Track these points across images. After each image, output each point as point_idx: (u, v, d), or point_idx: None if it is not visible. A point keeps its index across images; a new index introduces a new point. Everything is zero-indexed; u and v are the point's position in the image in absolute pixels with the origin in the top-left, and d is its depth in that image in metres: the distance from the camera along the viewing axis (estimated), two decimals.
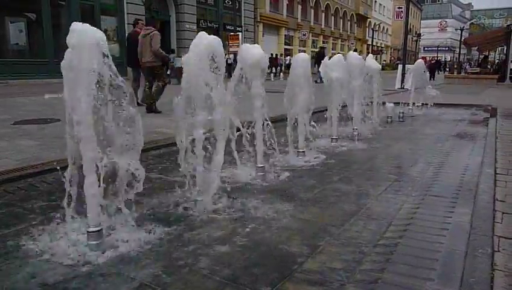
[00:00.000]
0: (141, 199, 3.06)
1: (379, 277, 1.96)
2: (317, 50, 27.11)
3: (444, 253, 2.21)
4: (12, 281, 1.92)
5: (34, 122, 6.29)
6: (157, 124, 6.39)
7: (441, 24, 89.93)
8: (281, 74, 23.69)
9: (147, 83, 8.15)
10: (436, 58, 44.67)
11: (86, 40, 2.04)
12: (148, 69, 8.02)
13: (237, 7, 25.07)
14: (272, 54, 29.55)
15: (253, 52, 3.48)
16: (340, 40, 46.38)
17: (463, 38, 40.48)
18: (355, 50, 30.05)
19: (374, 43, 48.44)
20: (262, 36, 30.65)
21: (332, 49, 43.97)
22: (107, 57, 2.12)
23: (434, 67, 29.13)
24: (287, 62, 29.21)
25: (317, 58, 19.64)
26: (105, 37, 2.14)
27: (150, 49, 7.75)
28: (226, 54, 19.61)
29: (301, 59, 4.33)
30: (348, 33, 47.92)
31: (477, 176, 3.65)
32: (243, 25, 27.14)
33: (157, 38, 7.77)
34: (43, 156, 4.12)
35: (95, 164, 2.17)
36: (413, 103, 9.46)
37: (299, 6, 36.33)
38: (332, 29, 43.94)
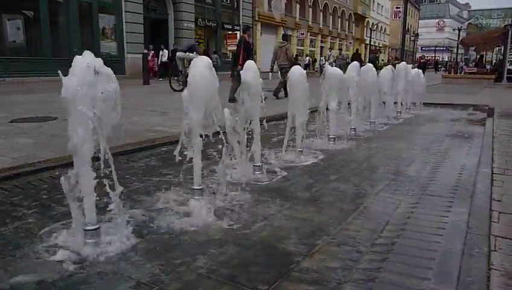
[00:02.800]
0: (138, 197, 3.06)
1: (376, 276, 1.96)
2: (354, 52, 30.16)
3: (441, 252, 2.22)
4: (9, 278, 1.92)
5: (31, 121, 6.27)
6: (155, 122, 6.38)
7: (438, 24, 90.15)
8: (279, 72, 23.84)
9: (282, 79, 10.99)
10: (425, 58, 45.72)
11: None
12: (282, 69, 11.32)
13: (235, 6, 25.00)
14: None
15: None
16: (338, 40, 46.40)
17: (460, 38, 40.58)
18: (378, 53, 30.55)
19: (372, 43, 48.51)
20: (260, 35, 30.62)
21: (331, 49, 44.05)
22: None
23: (423, 67, 29.10)
24: (306, 62, 31.71)
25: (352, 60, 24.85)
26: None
27: (285, 56, 11.55)
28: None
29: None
30: (346, 32, 47.92)
31: (474, 175, 3.66)
32: (241, 23, 27.09)
33: (291, 49, 11.34)
34: (40, 154, 4.11)
35: (90, 163, 2.16)
36: (412, 103, 9.47)
37: (297, 6, 36.32)
38: (331, 28, 43.94)
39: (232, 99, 9.17)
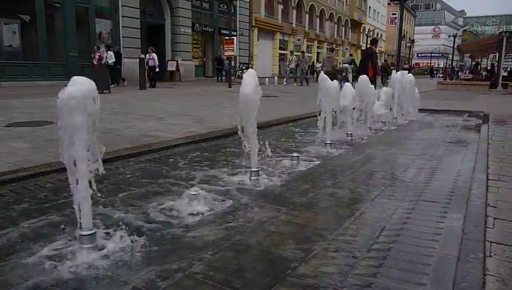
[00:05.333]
0: (135, 203, 3.05)
1: (372, 282, 1.97)
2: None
3: (437, 258, 2.22)
4: (4, 284, 1.91)
5: (28, 125, 6.25)
6: (150, 127, 6.38)
7: (434, 30, 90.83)
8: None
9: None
10: (408, 64, 47.52)
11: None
12: (329, 75, 13.47)
13: (232, 11, 25.12)
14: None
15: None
16: (334, 45, 46.63)
17: (456, 44, 40.95)
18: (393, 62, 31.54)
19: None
20: (257, 40, 30.74)
21: (292, 52, 44.26)
22: None
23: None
24: (319, 69, 31.22)
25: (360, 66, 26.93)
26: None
27: (330, 65, 15.11)
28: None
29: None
30: (343, 38, 48.18)
31: (469, 181, 3.68)
32: (238, 29, 27.18)
33: (336, 59, 13.42)
34: (36, 158, 4.10)
35: (86, 168, 2.16)
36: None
37: (294, 11, 36.50)
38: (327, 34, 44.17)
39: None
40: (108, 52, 16.51)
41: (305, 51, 28.82)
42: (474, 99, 14.50)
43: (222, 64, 23.53)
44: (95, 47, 16.98)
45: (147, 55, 17.54)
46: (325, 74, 14.06)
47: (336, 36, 46.36)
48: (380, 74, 27.82)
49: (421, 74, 50.21)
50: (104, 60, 16.24)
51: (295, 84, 23.52)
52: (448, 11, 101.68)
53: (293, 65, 24.53)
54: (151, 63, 17.40)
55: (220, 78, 23.94)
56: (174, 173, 3.92)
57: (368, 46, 12.40)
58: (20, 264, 2.09)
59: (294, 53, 27.10)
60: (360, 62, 11.58)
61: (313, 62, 36.93)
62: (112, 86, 15.96)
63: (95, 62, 16.25)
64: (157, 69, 17.69)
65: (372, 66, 10.89)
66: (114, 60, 16.43)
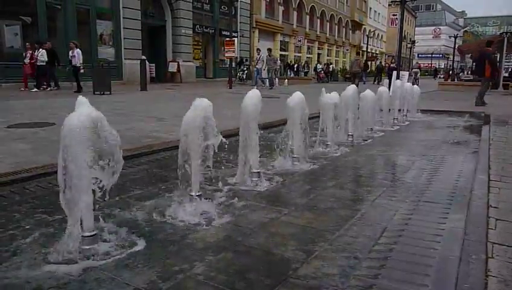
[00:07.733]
0: (135, 204, 3.05)
1: (373, 283, 1.96)
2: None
3: (438, 259, 2.22)
4: (5, 285, 1.90)
5: (29, 126, 6.25)
6: (151, 128, 6.38)
7: (435, 31, 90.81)
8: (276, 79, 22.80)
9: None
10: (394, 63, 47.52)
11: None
12: (355, 74, 17.51)
13: (233, 13, 25.11)
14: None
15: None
16: (335, 47, 46.66)
17: (457, 45, 40.93)
18: (375, 60, 33.12)
19: (369, 50, 48.74)
20: (258, 42, 30.75)
21: (328, 56, 44.29)
22: None
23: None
24: (318, 69, 33.25)
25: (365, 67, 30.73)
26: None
27: (358, 66, 20.58)
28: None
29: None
30: (343, 39, 48.19)
31: (471, 182, 3.67)
32: (238, 30, 27.20)
33: (362, 61, 19.95)
34: (37, 159, 4.09)
35: (87, 170, 2.16)
36: (407, 110, 9.48)
37: (295, 13, 36.51)
38: (328, 35, 44.16)
39: (481, 104, 11.32)
40: (40, 49, 14.14)
41: (272, 48, 24.64)
42: (475, 99, 14.44)
43: (242, 64, 25.38)
44: (27, 44, 14.64)
45: (70, 51, 14.24)
46: (352, 73, 17.51)
47: (336, 37, 46.36)
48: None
49: (422, 75, 50.19)
50: (36, 60, 14.11)
51: (262, 85, 20.42)
52: (448, 11, 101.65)
53: (260, 65, 20.86)
54: (74, 61, 13.97)
55: (239, 78, 25.07)
56: (175, 174, 3.91)
57: (485, 48, 12.95)
58: (21, 265, 2.09)
59: (261, 51, 22.04)
60: (477, 63, 12.68)
61: (313, 64, 37.04)
62: (35, 90, 14.03)
63: (26, 62, 14.23)
64: (81, 70, 14.10)
65: (492, 66, 11.80)
66: (45, 59, 14.04)
